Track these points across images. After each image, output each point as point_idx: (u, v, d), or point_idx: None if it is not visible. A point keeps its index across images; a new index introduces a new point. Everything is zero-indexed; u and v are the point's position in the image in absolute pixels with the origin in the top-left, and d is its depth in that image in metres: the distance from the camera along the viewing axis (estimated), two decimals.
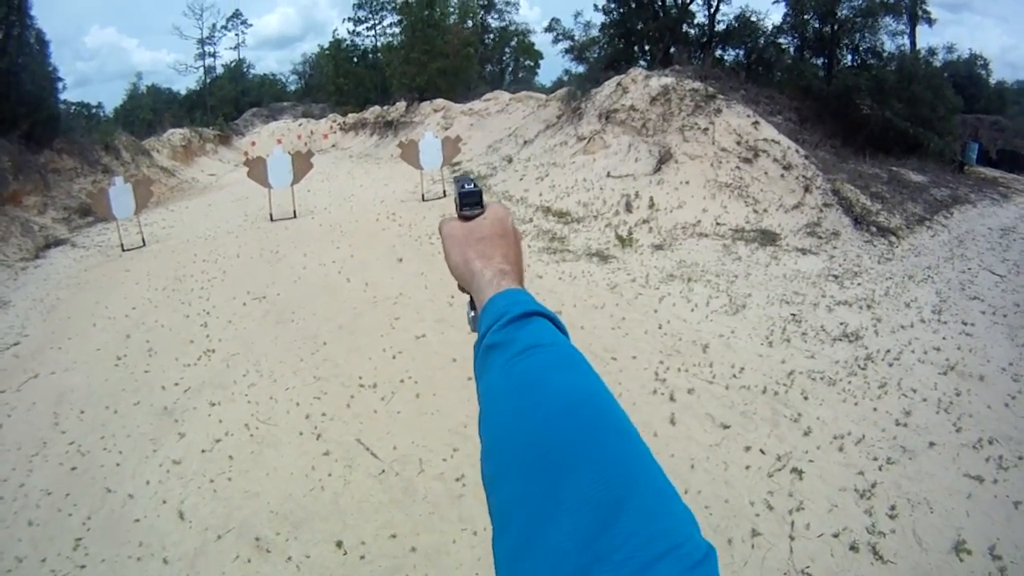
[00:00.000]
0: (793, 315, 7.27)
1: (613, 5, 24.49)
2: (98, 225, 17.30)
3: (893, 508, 4.33)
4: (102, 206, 14.30)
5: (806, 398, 5.60)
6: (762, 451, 4.90)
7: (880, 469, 4.70)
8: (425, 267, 9.93)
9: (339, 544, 4.37)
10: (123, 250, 13.97)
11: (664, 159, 12.30)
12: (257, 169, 15.78)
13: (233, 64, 71.90)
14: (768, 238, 9.74)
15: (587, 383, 0.72)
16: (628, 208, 11.52)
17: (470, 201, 1.03)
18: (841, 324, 6.98)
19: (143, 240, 14.48)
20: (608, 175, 12.97)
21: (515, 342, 0.78)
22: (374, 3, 60.61)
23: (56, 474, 5.64)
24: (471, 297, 0.99)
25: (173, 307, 9.54)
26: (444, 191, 16.13)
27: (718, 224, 10.37)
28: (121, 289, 10.89)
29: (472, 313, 0.98)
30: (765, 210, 10.53)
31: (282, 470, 5.31)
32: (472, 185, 1.05)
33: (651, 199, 11.45)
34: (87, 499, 5.24)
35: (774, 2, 21.57)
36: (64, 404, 6.90)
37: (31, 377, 7.69)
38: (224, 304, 9.30)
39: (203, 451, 5.69)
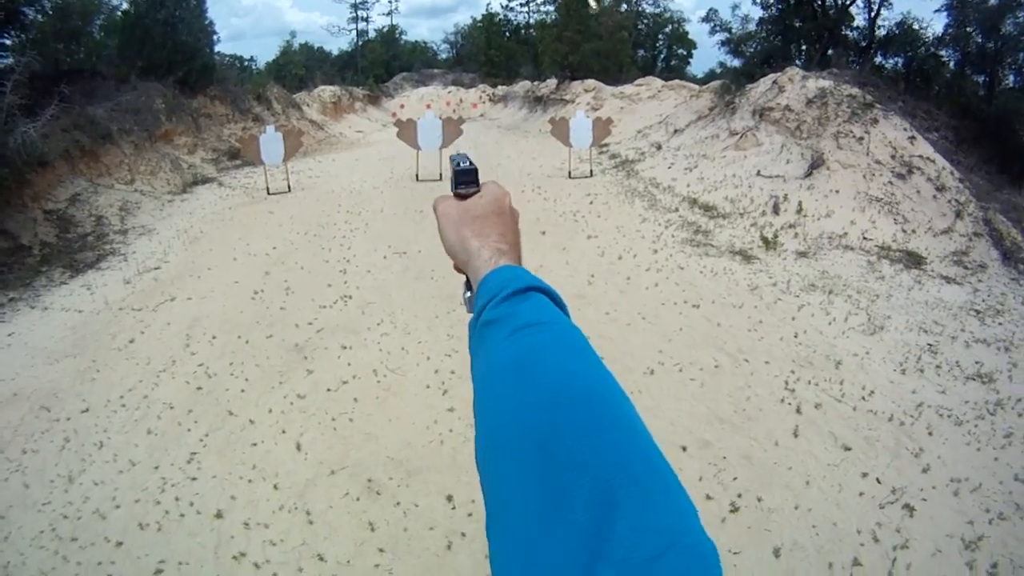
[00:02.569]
0: (930, 345, 6.82)
1: (772, 0, 23.86)
2: (245, 168, 18.46)
3: (995, 566, 3.99)
4: (252, 151, 15.19)
5: (931, 434, 5.26)
6: (878, 480, 4.64)
7: (990, 523, 4.34)
8: (567, 243, 9.96)
9: (449, 498, 4.41)
10: (268, 193, 14.79)
11: (816, 164, 11.81)
12: (407, 130, 16.24)
13: (385, 29, 75.32)
14: (914, 260, 9.19)
15: (587, 367, 0.70)
16: (775, 210, 11.15)
17: (466, 179, 1.04)
18: (976, 363, 6.49)
19: (288, 186, 15.26)
20: (758, 174, 12.58)
21: (513, 318, 0.78)
22: None
23: (181, 391, 5.98)
24: (467, 277, 0.98)
25: (314, 251, 9.97)
26: (591, 171, 16.20)
27: (865, 239, 9.85)
28: (264, 229, 11.50)
29: (468, 294, 0.97)
30: (914, 231, 9.92)
31: (404, 419, 5.40)
32: (468, 163, 1.06)
33: (800, 204, 11.02)
34: (208, 418, 5.52)
35: (936, 11, 20.13)
36: (197, 328, 7.31)
37: (168, 299, 8.22)
38: (365, 255, 9.64)
39: (328, 390, 5.87)
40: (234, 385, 6.01)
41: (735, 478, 4.55)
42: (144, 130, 16.74)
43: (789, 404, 5.56)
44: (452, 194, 1.06)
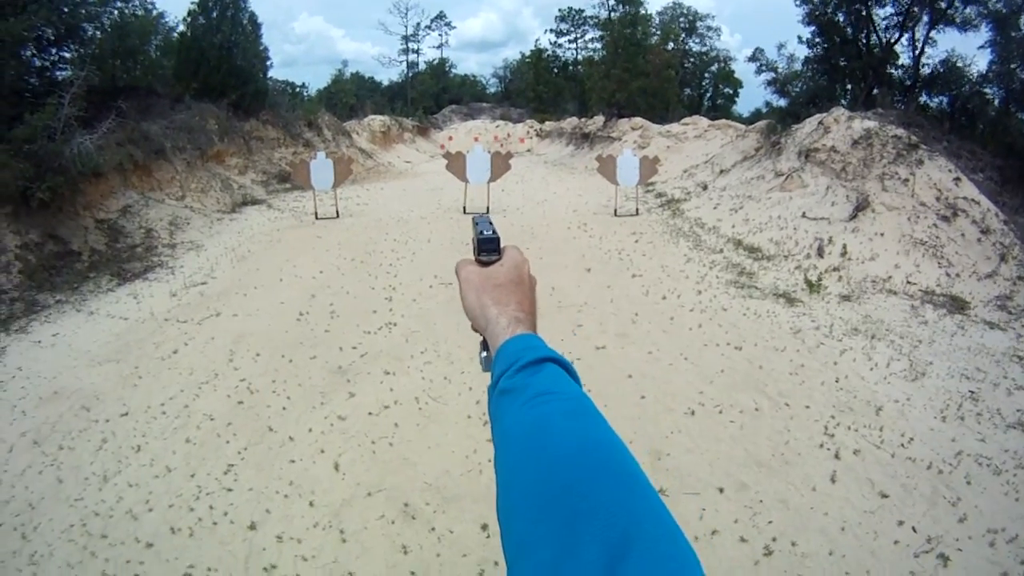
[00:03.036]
0: (971, 392, 6.68)
1: (818, 39, 23.79)
2: (295, 192, 18.87)
3: None
4: (302, 176, 15.62)
5: (969, 483, 5.15)
6: (914, 529, 4.55)
7: None
8: (612, 281, 9.95)
9: (484, 527, 4.41)
10: (316, 218, 15.09)
11: (861, 206, 11.70)
12: (456, 163, 16.46)
13: (435, 62, 77.27)
14: (957, 305, 9.02)
15: (594, 430, 0.76)
16: (820, 253, 11.06)
17: (488, 247, 1.10)
18: (1018, 411, 6.32)
19: (337, 212, 15.50)
20: (803, 215, 12.50)
21: (527, 388, 0.83)
22: (576, 17, 62.71)
23: (222, 404, 6.08)
24: (483, 338, 1.05)
25: (360, 277, 10.09)
26: (636, 209, 16.18)
27: (908, 283, 9.71)
28: (311, 253, 11.69)
29: (484, 354, 1.05)
30: (958, 275, 9.75)
31: (444, 447, 5.41)
32: (491, 232, 1.12)
33: (844, 246, 10.91)
34: (247, 432, 5.60)
35: (980, 47, 19.81)
36: (241, 345, 7.43)
37: (213, 315, 8.39)
38: (411, 283, 9.72)
39: (370, 413, 5.91)
40: (275, 402, 6.09)
41: (770, 521, 4.51)
42: (196, 149, 17.21)
43: (828, 449, 5.51)
44: (474, 259, 1.12)
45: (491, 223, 1.16)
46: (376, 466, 5.11)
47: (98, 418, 5.84)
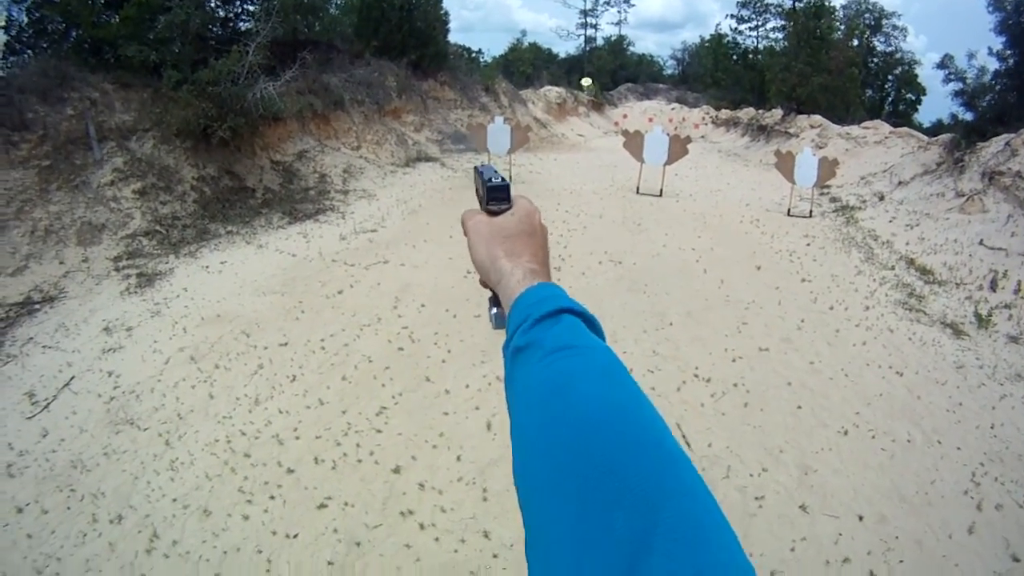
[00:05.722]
0: None
1: (1009, 51, 21.94)
2: (468, 153, 19.27)
3: None
4: (479, 139, 15.67)
5: None
6: None
7: None
8: (782, 282, 9.57)
9: None
10: None
11: None
12: (634, 143, 16.26)
13: (613, 38, 76.94)
14: None
15: (619, 391, 0.70)
16: (993, 286, 10.22)
17: (498, 196, 1.03)
18: None
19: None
20: (980, 243, 11.61)
21: (542, 344, 0.77)
22: (759, 4, 60.53)
23: (382, 349, 6.20)
24: (493, 294, 0.99)
25: None
26: (810, 211, 15.44)
27: None
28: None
29: (495, 311, 0.98)
30: None
31: None
32: (500, 179, 1.05)
33: (1019, 283, 10.04)
34: (404, 379, 5.68)
35: None
36: (407, 294, 7.59)
37: (381, 262, 8.63)
38: (580, 257, 9.68)
39: None
40: (436, 354, 6.17)
41: (902, 561, 4.30)
42: (374, 103, 17.88)
43: (972, 497, 5.15)
44: (482, 209, 1.05)
45: (496, 171, 1.07)
46: None
47: (256, 344, 6.10)
